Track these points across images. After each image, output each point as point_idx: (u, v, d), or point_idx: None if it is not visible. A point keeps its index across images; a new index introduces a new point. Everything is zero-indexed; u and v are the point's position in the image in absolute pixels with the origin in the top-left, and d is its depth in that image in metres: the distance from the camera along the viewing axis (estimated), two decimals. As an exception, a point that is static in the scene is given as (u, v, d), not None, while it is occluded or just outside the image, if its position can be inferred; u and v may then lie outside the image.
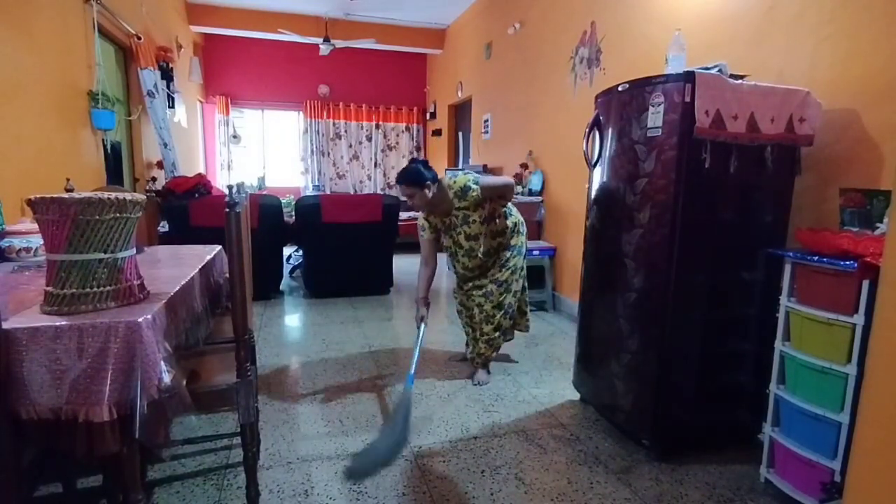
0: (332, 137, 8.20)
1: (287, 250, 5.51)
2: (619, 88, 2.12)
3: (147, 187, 4.52)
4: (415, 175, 2.55)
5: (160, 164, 4.81)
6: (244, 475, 1.65)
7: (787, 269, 1.76)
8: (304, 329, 3.76)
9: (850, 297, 1.54)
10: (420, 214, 2.72)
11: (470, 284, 2.78)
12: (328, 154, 8.21)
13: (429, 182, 2.54)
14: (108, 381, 1.12)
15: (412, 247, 7.16)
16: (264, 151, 8.21)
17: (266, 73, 7.74)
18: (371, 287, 4.62)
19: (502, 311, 2.72)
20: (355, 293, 4.53)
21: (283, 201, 4.76)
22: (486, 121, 5.92)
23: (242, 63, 7.60)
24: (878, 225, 1.70)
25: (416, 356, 2.39)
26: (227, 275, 1.60)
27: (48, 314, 1.16)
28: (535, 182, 4.61)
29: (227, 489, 1.80)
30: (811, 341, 1.68)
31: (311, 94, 7.98)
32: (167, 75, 4.81)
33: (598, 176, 2.30)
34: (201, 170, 7.05)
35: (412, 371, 2.31)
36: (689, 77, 1.81)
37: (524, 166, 4.82)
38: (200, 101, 7.25)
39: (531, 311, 4.13)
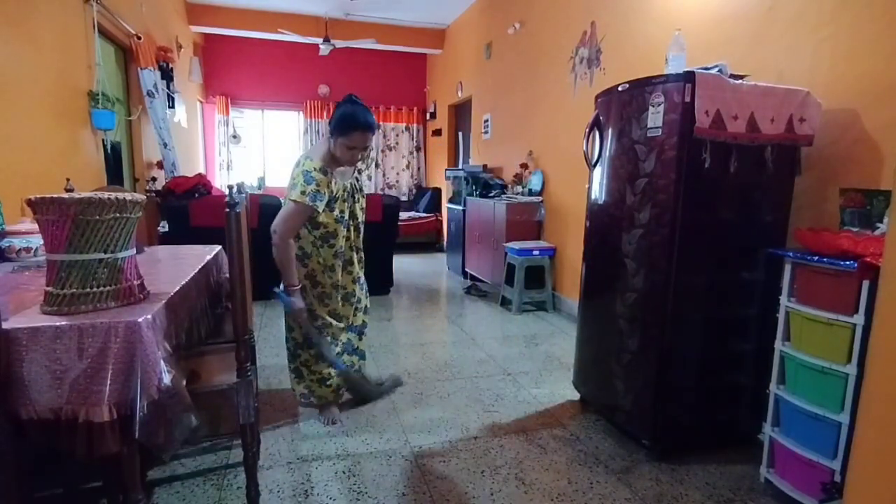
0: (332, 137, 8.19)
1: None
2: (619, 88, 2.12)
3: (147, 187, 4.52)
4: (374, 120, 2.05)
5: (160, 164, 4.81)
6: (244, 475, 1.65)
7: (787, 269, 1.76)
8: (304, 329, 3.75)
9: (850, 297, 1.54)
10: (316, 174, 1.99)
11: (344, 292, 2.26)
12: (328, 154, 8.20)
13: None
14: (108, 381, 1.12)
15: (412, 247, 7.23)
16: (264, 151, 8.21)
17: (266, 73, 7.73)
18: (371, 287, 4.57)
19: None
20: (355, 293, 4.53)
21: (283, 201, 4.75)
22: (486, 121, 5.92)
23: (242, 63, 7.59)
24: (878, 225, 1.70)
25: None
26: (227, 275, 1.60)
27: (48, 314, 1.16)
28: (535, 182, 4.61)
29: (227, 489, 1.80)
30: (811, 341, 1.68)
31: (311, 94, 7.97)
32: (167, 75, 4.80)
33: (598, 176, 2.30)
34: (201, 170, 7.04)
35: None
36: (689, 77, 1.81)
37: (524, 166, 4.82)
38: (200, 101, 7.25)
39: (531, 311, 4.16)
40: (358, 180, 2.23)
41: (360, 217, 2.25)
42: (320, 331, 2.22)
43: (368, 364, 2.97)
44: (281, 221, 2.00)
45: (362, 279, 2.39)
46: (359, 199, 2.22)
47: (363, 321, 2.41)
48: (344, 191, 2.12)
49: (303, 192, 1.97)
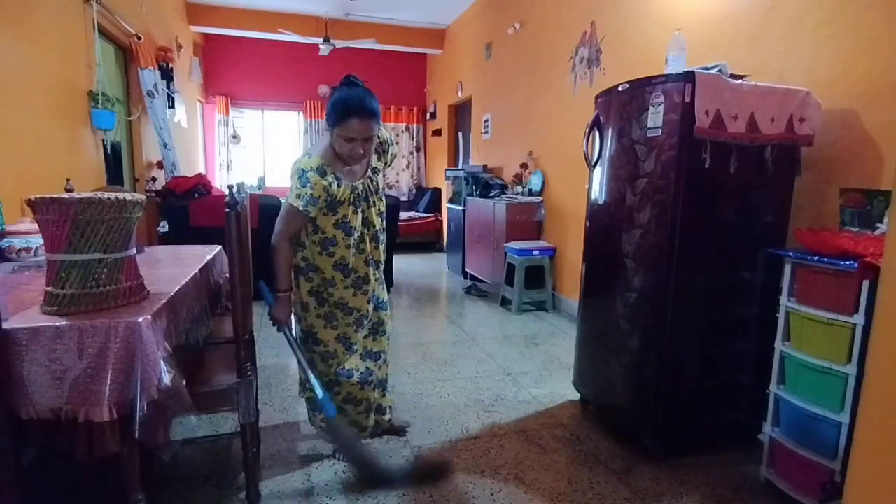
0: (332, 137, 8.19)
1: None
2: (619, 88, 2.12)
3: (147, 187, 4.51)
4: (376, 104, 1.76)
5: (160, 164, 4.81)
6: (244, 475, 1.65)
7: (787, 269, 1.76)
8: (304, 329, 3.75)
9: (850, 297, 1.54)
10: (312, 174, 1.74)
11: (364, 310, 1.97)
12: (328, 154, 8.21)
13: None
14: (108, 381, 1.12)
15: (413, 247, 7.22)
16: (264, 151, 8.21)
17: (266, 73, 7.73)
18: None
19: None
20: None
21: (283, 201, 4.75)
22: (486, 121, 5.92)
23: (242, 63, 7.59)
24: (878, 225, 1.71)
25: (310, 373, 1.81)
26: (227, 275, 1.60)
27: (48, 314, 1.16)
28: (535, 182, 4.61)
29: (227, 489, 1.80)
30: (811, 341, 1.68)
31: (311, 94, 7.97)
32: (167, 75, 4.80)
33: (598, 176, 2.30)
34: (201, 170, 7.04)
35: (321, 393, 1.76)
36: (689, 77, 1.80)
37: (524, 166, 4.82)
38: (200, 101, 7.25)
39: (531, 311, 4.16)
40: (373, 181, 1.91)
41: (378, 224, 1.94)
42: (323, 358, 1.95)
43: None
44: (277, 221, 1.83)
45: (382, 298, 2.07)
46: (374, 202, 1.91)
47: (383, 347, 2.09)
48: (352, 193, 1.82)
49: (297, 196, 1.74)
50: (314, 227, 1.85)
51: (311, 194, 1.74)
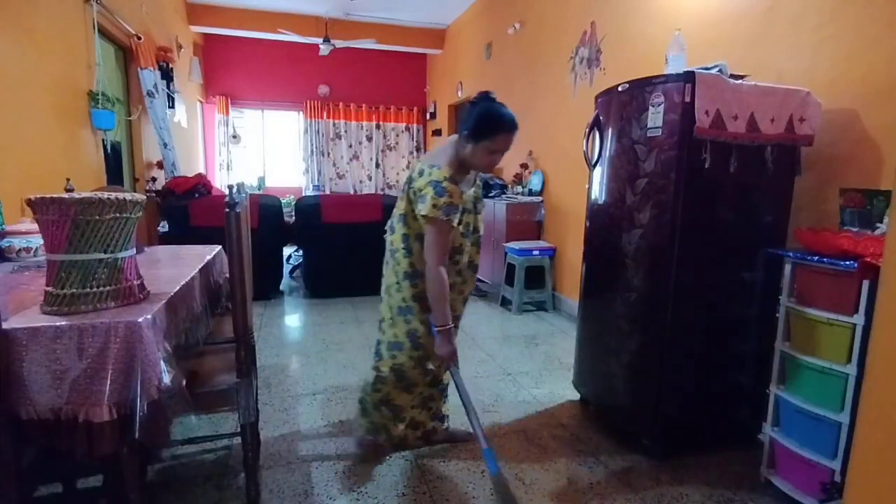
0: (332, 137, 8.19)
1: (287, 250, 5.51)
2: (619, 88, 2.12)
3: (147, 187, 4.52)
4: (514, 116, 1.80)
5: (160, 164, 4.81)
6: (244, 475, 1.65)
7: (787, 269, 1.76)
8: (304, 329, 3.76)
9: (850, 297, 1.54)
10: (448, 184, 1.69)
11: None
12: (328, 154, 8.21)
13: None
14: (108, 381, 1.12)
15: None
16: (264, 151, 8.21)
17: (266, 73, 7.74)
18: (371, 287, 4.56)
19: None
20: (355, 293, 4.53)
21: (283, 201, 4.76)
22: (486, 121, 5.91)
23: (242, 63, 7.59)
24: (878, 225, 1.71)
25: (476, 423, 1.73)
26: (227, 275, 1.60)
27: (48, 314, 1.16)
28: (535, 182, 4.61)
29: (227, 489, 1.80)
30: (811, 341, 1.68)
31: (311, 94, 7.97)
32: (167, 75, 4.81)
33: (598, 176, 2.30)
34: (201, 170, 7.04)
35: (486, 445, 1.66)
36: (689, 77, 1.80)
37: (524, 166, 4.82)
38: (200, 101, 7.25)
39: (531, 311, 4.16)
40: (479, 188, 1.94)
41: (481, 230, 1.97)
42: (419, 362, 1.91)
43: (367, 362, 2.86)
44: (427, 250, 1.73)
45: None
46: (480, 209, 1.94)
47: None
48: (469, 201, 1.86)
49: (434, 206, 1.66)
50: None
51: (451, 202, 1.69)
